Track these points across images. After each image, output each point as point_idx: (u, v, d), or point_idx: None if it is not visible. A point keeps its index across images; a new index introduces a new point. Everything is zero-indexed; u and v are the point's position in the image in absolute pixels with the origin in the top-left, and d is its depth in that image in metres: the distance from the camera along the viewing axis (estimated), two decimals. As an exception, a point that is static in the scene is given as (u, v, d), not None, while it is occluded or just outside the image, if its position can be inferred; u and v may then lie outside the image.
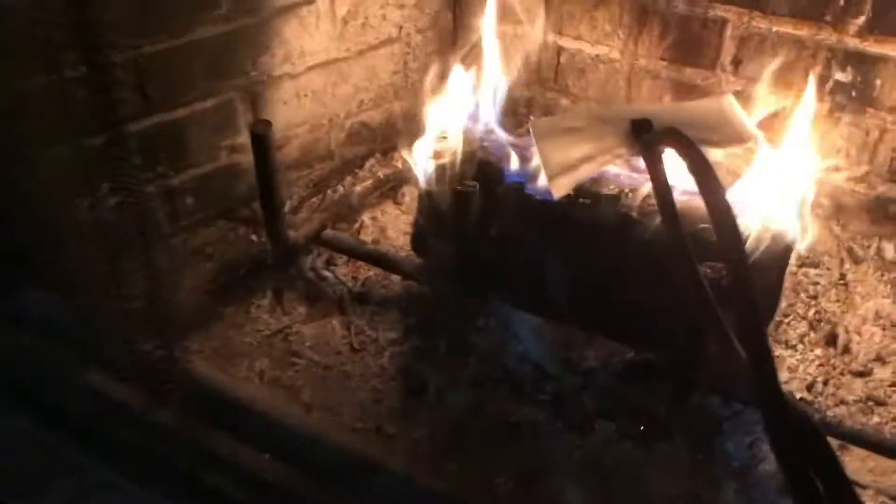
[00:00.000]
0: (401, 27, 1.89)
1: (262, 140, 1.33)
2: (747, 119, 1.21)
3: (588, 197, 1.27)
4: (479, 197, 1.26)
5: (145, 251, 1.26)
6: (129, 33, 1.48)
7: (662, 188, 1.00)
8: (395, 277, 1.63)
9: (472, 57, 1.64)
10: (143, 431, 1.31)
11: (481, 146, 1.38)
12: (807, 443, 0.86)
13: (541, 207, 1.29)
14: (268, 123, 1.36)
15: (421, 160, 1.42)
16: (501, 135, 1.40)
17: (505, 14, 1.93)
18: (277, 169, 1.42)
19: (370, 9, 1.81)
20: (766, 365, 0.86)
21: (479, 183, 1.31)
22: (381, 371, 1.48)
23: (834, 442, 1.32)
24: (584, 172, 1.10)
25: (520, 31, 1.92)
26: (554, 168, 1.09)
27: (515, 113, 2.01)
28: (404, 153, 1.68)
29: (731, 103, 1.22)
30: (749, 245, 1.17)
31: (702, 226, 1.22)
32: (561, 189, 1.11)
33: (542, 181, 1.16)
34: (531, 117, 1.67)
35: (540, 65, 1.94)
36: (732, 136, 1.15)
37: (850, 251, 1.69)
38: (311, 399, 1.43)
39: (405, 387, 1.45)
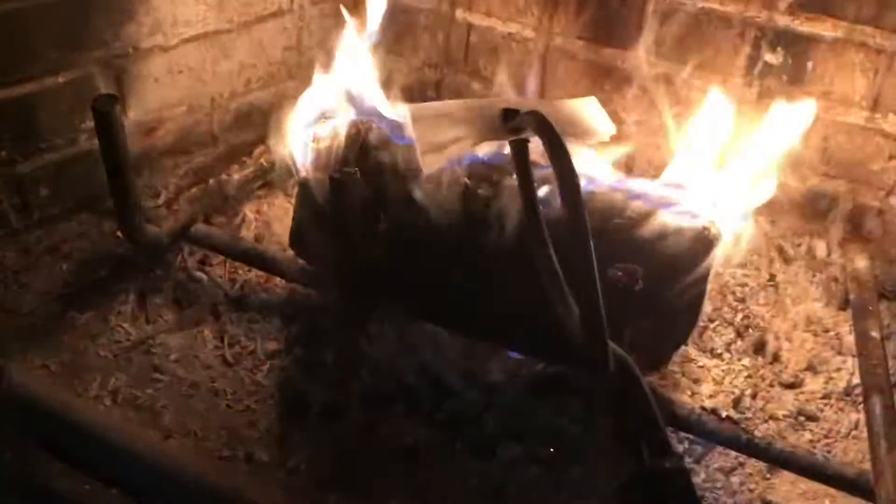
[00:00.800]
0: (292, -3, 1.69)
1: (106, 118, 1.12)
2: (606, 118, 1.20)
3: (489, 187, 1.09)
4: (362, 185, 1.07)
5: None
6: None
7: (524, 173, 0.97)
8: (279, 280, 1.44)
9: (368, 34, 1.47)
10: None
11: (367, 129, 1.19)
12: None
13: (433, 196, 1.12)
14: (113, 98, 1.15)
15: (298, 145, 1.23)
16: (389, 117, 1.21)
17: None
18: (127, 151, 1.21)
19: (255, -25, 1.60)
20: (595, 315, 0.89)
21: (365, 171, 1.13)
22: (258, 388, 1.30)
23: (762, 463, 1.20)
24: (454, 151, 1.06)
25: (426, 5, 1.75)
26: (425, 146, 1.00)
27: (424, 96, 1.84)
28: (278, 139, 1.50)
29: (593, 103, 1.21)
30: (671, 241, 1.02)
31: (616, 220, 1.07)
32: (430, 166, 1.05)
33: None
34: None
35: (449, 44, 1.76)
36: (589, 131, 1.16)
37: (780, 250, 1.57)
38: (172, 422, 1.24)
39: (284, 406, 1.27)
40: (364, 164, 1.13)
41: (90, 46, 1.43)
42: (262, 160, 1.63)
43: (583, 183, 0.98)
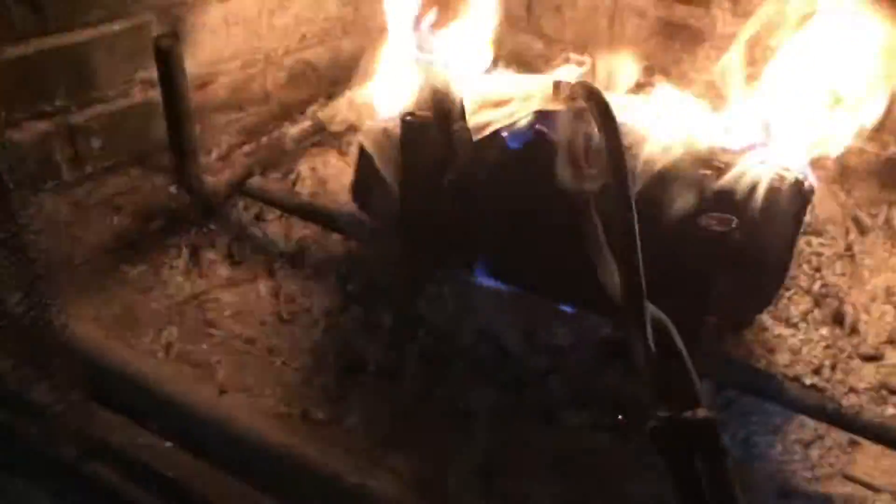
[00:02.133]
0: (352, -49, 1.65)
1: (168, 55, 1.08)
2: None
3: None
4: (432, 133, 1.02)
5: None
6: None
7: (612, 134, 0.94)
8: (336, 237, 1.40)
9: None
10: (17, 412, 1.10)
11: (439, 76, 1.14)
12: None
13: (508, 150, 1.07)
14: (175, 36, 1.11)
15: (367, 93, 1.19)
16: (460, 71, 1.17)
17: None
18: (188, 94, 1.17)
19: (315, -75, 1.56)
20: (635, 274, 0.88)
21: (434, 119, 1.08)
22: (314, 346, 1.26)
23: (845, 435, 1.13)
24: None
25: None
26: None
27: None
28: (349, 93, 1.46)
29: None
30: (761, 195, 0.96)
31: (702, 172, 1.01)
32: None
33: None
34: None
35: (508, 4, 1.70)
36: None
37: (856, 220, 1.49)
38: (226, 378, 1.21)
39: (341, 365, 1.23)
40: (434, 113, 1.08)
41: (147, -8, 1.40)
42: (319, 116, 1.59)
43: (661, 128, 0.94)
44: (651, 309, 0.94)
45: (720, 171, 0.99)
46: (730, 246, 0.87)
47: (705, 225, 0.86)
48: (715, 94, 1.50)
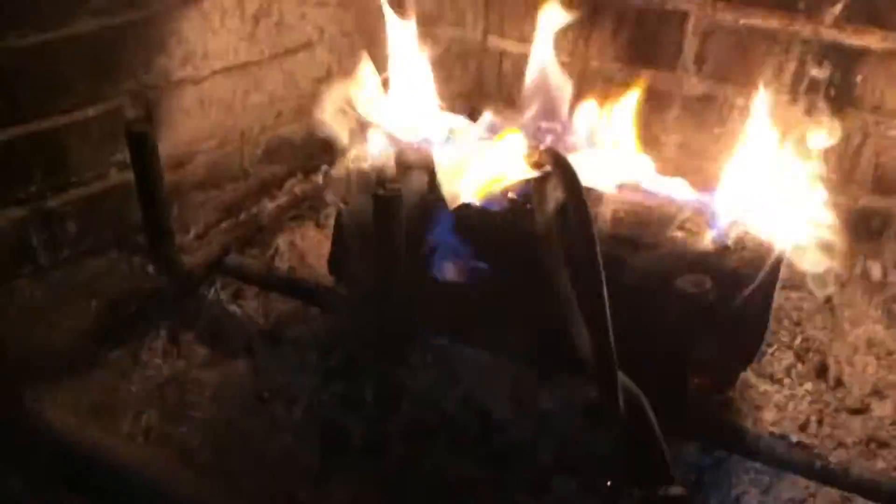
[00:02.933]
0: (322, 29, 1.67)
1: (142, 141, 1.09)
2: None
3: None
4: (404, 204, 1.03)
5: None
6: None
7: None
8: (315, 311, 1.39)
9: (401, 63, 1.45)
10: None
11: (409, 150, 1.16)
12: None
13: (482, 217, 1.07)
14: (147, 121, 1.12)
15: (342, 168, 1.20)
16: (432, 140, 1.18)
17: (441, 15, 1.75)
18: (162, 176, 1.17)
19: (285, 6, 1.59)
20: (604, 339, 0.93)
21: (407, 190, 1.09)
22: (295, 425, 1.24)
23: (837, 492, 1.12)
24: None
25: (457, 33, 1.74)
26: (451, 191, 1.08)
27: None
28: (325, 167, 1.47)
29: None
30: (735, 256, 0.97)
31: (674, 233, 1.02)
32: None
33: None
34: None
35: (481, 72, 1.74)
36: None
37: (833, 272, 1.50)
38: (206, 461, 1.18)
39: (323, 443, 1.20)
40: (406, 184, 1.09)
41: (121, 78, 1.42)
42: (296, 191, 1.60)
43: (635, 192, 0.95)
44: (625, 381, 0.95)
45: (693, 233, 1.00)
46: (706, 307, 0.87)
47: (681, 287, 0.87)
48: (686, 155, 1.54)
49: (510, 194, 1.10)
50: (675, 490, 0.93)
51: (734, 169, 1.21)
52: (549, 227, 1.02)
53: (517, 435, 1.19)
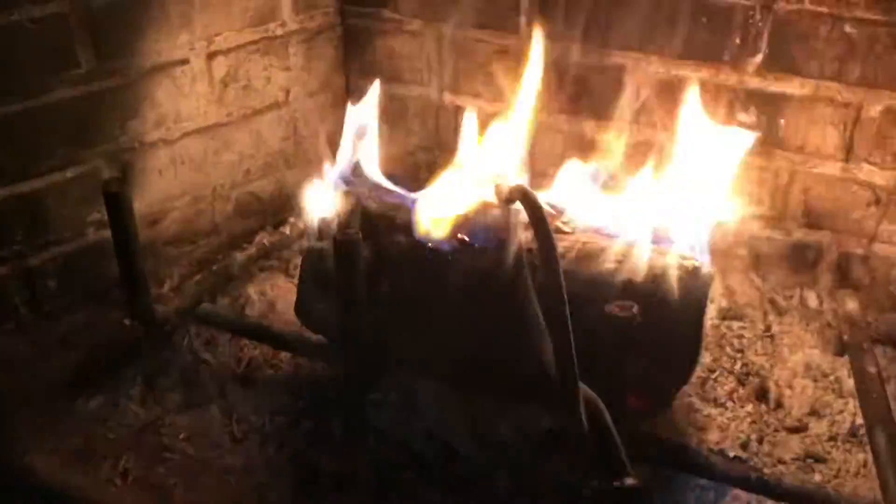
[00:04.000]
0: (288, 91, 1.78)
1: (117, 200, 1.17)
2: None
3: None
4: (363, 248, 1.12)
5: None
6: (-27, 94, 1.33)
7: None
8: (284, 355, 1.46)
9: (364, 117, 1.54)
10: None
11: (367, 199, 1.25)
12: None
13: (434, 257, 1.16)
14: (123, 180, 1.21)
15: (305, 218, 1.29)
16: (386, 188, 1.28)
17: (399, 75, 1.86)
18: (136, 232, 1.25)
19: (252, 70, 1.69)
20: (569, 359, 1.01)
21: (366, 236, 1.17)
22: (268, 462, 1.30)
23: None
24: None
25: (414, 93, 1.85)
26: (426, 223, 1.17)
27: (417, 178, 1.90)
28: (292, 220, 1.56)
29: None
30: (664, 282, 1.06)
31: (607, 266, 1.12)
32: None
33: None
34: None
35: (439, 127, 1.84)
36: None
37: (772, 302, 1.60)
38: (183, 500, 1.24)
39: (295, 478, 1.27)
40: (365, 228, 1.18)
41: (97, 142, 1.51)
42: (265, 242, 1.68)
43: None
44: (584, 389, 1.03)
45: (622, 262, 1.10)
46: (634, 330, 0.95)
47: (609, 312, 0.95)
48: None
49: (460, 235, 1.19)
50: (630, 481, 1.00)
51: (667, 205, 1.31)
52: (519, 258, 1.11)
53: (478, 463, 1.27)
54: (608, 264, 1.11)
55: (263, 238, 1.72)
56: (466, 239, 1.17)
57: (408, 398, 1.32)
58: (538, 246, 1.02)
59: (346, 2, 1.81)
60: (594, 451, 1.02)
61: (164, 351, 1.47)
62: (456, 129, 1.81)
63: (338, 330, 1.21)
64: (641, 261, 1.11)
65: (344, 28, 1.83)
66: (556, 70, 1.60)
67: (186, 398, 1.41)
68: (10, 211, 1.44)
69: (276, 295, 1.62)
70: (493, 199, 1.19)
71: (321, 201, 1.25)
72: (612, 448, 1.00)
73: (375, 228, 1.19)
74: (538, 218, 1.03)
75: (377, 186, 1.27)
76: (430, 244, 1.17)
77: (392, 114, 1.85)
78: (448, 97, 1.80)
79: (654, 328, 1.02)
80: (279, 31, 1.71)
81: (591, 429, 1.02)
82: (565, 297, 0.98)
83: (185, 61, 1.58)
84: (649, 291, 1.08)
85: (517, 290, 1.11)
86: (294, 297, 1.55)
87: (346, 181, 1.28)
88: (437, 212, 1.25)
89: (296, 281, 1.64)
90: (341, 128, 1.64)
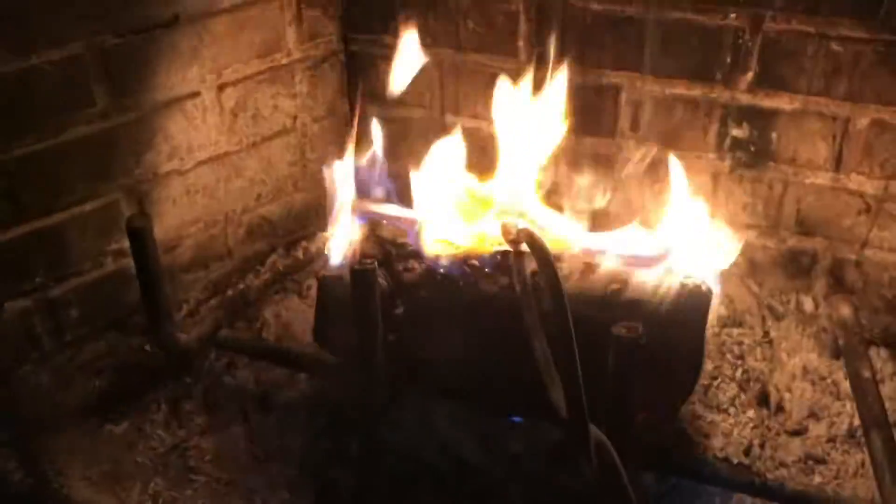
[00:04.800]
0: (295, 117, 1.83)
1: (140, 235, 1.23)
2: None
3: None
4: (379, 275, 1.17)
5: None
6: (-4, 135, 1.39)
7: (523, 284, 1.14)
8: (303, 377, 1.51)
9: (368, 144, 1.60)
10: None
11: (380, 226, 1.31)
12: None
13: (445, 281, 1.22)
14: (146, 216, 1.26)
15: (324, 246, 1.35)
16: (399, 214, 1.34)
17: (402, 98, 1.91)
18: (159, 264, 1.31)
19: (260, 100, 1.74)
20: (577, 393, 1.05)
21: (380, 263, 1.23)
22: (290, 481, 1.35)
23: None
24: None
25: (416, 115, 1.90)
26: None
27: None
28: (304, 243, 1.61)
29: None
30: (666, 299, 1.12)
31: (612, 287, 1.17)
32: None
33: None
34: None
35: (441, 146, 1.90)
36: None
37: (770, 308, 1.66)
38: (212, 519, 1.29)
39: (317, 495, 1.32)
40: (380, 256, 1.23)
41: (116, 176, 1.56)
42: (279, 266, 1.73)
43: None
44: (594, 432, 1.07)
45: (627, 283, 1.15)
46: (640, 349, 1.01)
47: (616, 333, 1.01)
48: (630, 211, 1.70)
49: (471, 261, 1.24)
50: None
51: (667, 221, 1.37)
52: (528, 296, 1.17)
53: (491, 478, 1.32)
54: (612, 285, 1.17)
55: (277, 262, 1.78)
56: (476, 263, 1.23)
57: (423, 417, 1.38)
58: (546, 289, 1.06)
59: (349, 29, 1.86)
60: (604, 495, 1.06)
61: (186, 376, 1.53)
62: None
63: (355, 353, 1.26)
64: (644, 280, 1.16)
65: (347, 55, 1.88)
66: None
67: (209, 421, 1.46)
68: (32, 246, 1.49)
69: (291, 317, 1.67)
70: (500, 237, 1.25)
71: (336, 228, 1.30)
72: (621, 488, 1.04)
73: (389, 254, 1.25)
74: (545, 261, 1.08)
75: (389, 213, 1.33)
76: (441, 269, 1.23)
77: (395, 135, 1.90)
78: (450, 118, 1.85)
79: (657, 346, 1.08)
80: (284, 61, 1.77)
81: (601, 472, 1.07)
82: (574, 342, 1.02)
83: (196, 94, 1.63)
84: (652, 310, 1.14)
85: (525, 315, 1.16)
86: (308, 318, 1.60)
87: (360, 209, 1.33)
88: (445, 237, 1.31)
89: (310, 302, 1.70)
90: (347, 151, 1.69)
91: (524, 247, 1.20)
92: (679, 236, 1.28)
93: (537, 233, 1.14)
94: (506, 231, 1.19)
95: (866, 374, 1.33)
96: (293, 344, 1.57)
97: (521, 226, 1.18)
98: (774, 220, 1.65)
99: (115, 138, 1.54)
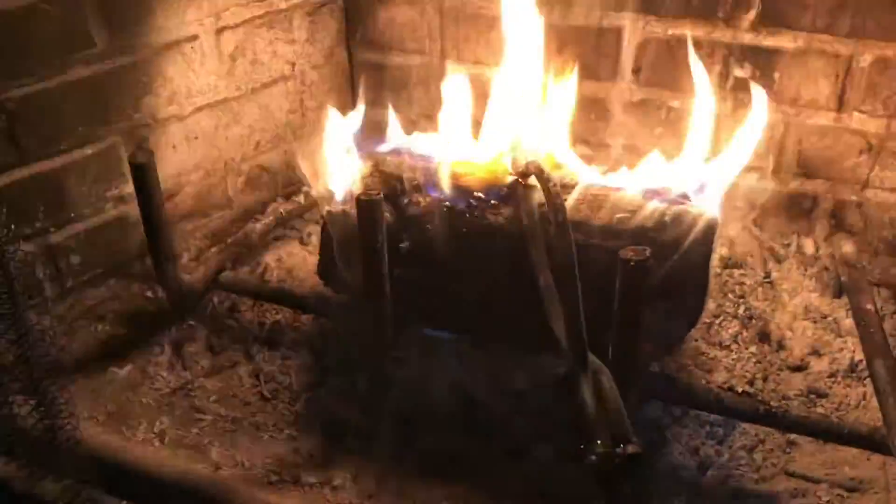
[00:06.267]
0: (293, 64, 1.82)
1: (144, 171, 1.22)
2: None
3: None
4: (384, 209, 1.17)
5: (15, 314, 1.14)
6: (-8, 76, 1.37)
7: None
8: (306, 318, 1.52)
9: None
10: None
11: (384, 162, 1.30)
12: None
13: (451, 214, 1.22)
14: (149, 151, 1.25)
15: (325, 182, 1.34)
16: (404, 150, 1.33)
17: (401, 45, 1.90)
18: (163, 202, 1.30)
19: (258, 44, 1.73)
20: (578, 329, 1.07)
21: (386, 197, 1.23)
22: (297, 418, 1.36)
23: (783, 437, 1.27)
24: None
25: (415, 62, 1.89)
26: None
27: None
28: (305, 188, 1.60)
29: None
30: (672, 227, 1.13)
31: (619, 215, 1.17)
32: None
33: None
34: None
35: (441, 94, 1.89)
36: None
37: (771, 250, 1.67)
38: (219, 456, 1.30)
39: (324, 432, 1.33)
40: (386, 191, 1.23)
41: (114, 120, 1.55)
42: (281, 210, 1.73)
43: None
44: (592, 359, 1.09)
45: (633, 213, 1.16)
46: (647, 273, 1.01)
47: (623, 257, 1.01)
48: (632, 155, 1.70)
49: (476, 193, 1.24)
50: (632, 448, 1.04)
51: (671, 159, 1.37)
52: (534, 228, 1.17)
53: (497, 411, 1.33)
54: (620, 214, 1.17)
55: (279, 207, 1.77)
56: (482, 195, 1.23)
57: (428, 352, 1.38)
58: (553, 222, 1.08)
59: (347, -27, 1.85)
60: (599, 417, 1.08)
61: (190, 319, 1.52)
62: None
63: (360, 290, 1.26)
64: (651, 210, 1.16)
65: (345, 0, 1.87)
66: (557, 33, 1.65)
67: (213, 363, 1.46)
68: (32, 190, 1.48)
69: (293, 262, 1.67)
70: (509, 169, 1.25)
71: (340, 165, 1.30)
72: (617, 415, 1.06)
73: (394, 189, 1.25)
74: (553, 195, 1.09)
75: (394, 149, 1.32)
76: (447, 201, 1.23)
77: (395, 82, 1.89)
78: (450, 64, 1.84)
79: (665, 272, 1.08)
80: (283, 5, 1.75)
81: (598, 395, 1.08)
82: (576, 274, 1.05)
83: (194, 37, 1.61)
84: (660, 238, 1.14)
85: (530, 247, 1.17)
86: (310, 264, 1.61)
87: (362, 145, 1.33)
88: (454, 170, 1.31)
89: (311, 249, 1.70)
90: (346, 98, 1.68)
91: (533, 180, 1.21)
92: (682, 172, 1.29)
93: (546, 165, 1.15)
94: (515, 163, 1.19)
95: (869, 306, 1.34)
96: (296, 286, 1.57)
97: (530, 158, 1.18)
98: (776, 162, 1.65)
99: (115, 81, 1.53)
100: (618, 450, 1.04)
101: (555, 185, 1.13)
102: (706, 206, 1.21)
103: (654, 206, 1.19)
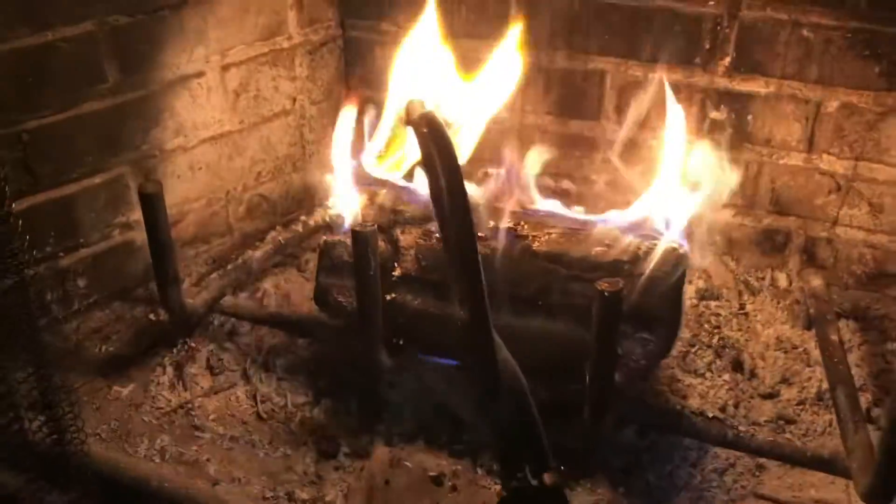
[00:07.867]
0: (294, 99, 1.90)
1: (152, 200, 1.30)
2: None
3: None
4: (378, 238, 1.25)
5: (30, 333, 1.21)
6: (11, 108, 1.45)
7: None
8: (302, 342, 1.59)
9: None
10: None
11: (380, 192, 1.39)
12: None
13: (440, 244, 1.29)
14: (157, 182, 1.33)
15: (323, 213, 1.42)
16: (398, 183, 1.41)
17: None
18: (169, 229, 1.38)
19: (262, 80, 1.82)
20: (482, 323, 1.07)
21: (380, 228, 1.31)
22: (291, 437, 1.43)
23: (752, 461, 1.34)
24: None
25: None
26: None
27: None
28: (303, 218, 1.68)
29: None
30: (646, 261, 1.21)
31: (596, 249, 1.25)
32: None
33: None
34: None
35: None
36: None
37: (746, 283, 1.75)
38: (217, 473, 1.36)
39: (317, 451, 1.40)
40: (381, 222, 1.31)
41: (123, 150, 1.63)
42: (280, 239, 1.81)
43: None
44: (511, 366, 1.09)
45: (610, 247, 1.24)
46: (620, 303, 1.09)
47: (599, 288, 1.09)
48: (614, 191, 1.78)
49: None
50: (549, 478, 1.04)
51: (647, 195, 1.46)
52: (439, 191, 1.07)
53: (483, 432, 1.40)
54: (596, 247, 1.25)
55: (278, 235, 1.85)
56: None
57: (418, 375, 1.45)
58: (441, 168, 1.02)
59: (347, 15, 1.94)
60: (516, 438, 1.07)
61: (191, 341, 1.59)
62: (451, 132, 1.95)
63: (354, 316, 1.34)
64: (625, 243, 1.25)
65: (345, 40, 1.96)
66: (544, 74, 1.75)
67: (213, 383, 1.53)
68: (44, 216, 1.55)
69: (291, 288, 1.75)
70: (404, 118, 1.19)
71: (338, 197, 1.38)
72: (536, 440, 1.06)
73: (390, 220, 1.33)
74: (441, 141, 1.04)
75: (389, 183, 1.41)
76: (436, 234, 1.30)
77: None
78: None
79: (639, 302, 1.16)
80: (286, 44, 1.84)
81: (518, 417, 1.08)
82: (472, 222, 1.00)
83: (201, 74, 1.70)
84: (633, 271, 1.22)
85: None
86: (307, 290, 1.68)
87: (361, 178, 1.41)
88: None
89: (308, 275, 1.78)
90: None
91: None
92: (656, 207, 1.37)
93: (438, 117, 1.10)
94: (410, 108, 1.14)
95: (834, 337, 1.42)
96: (293, 311, 1.64)
97: (426, 108, 1.13)
98: (750, 199, 1.74)
99: (125, 114, 1.61)
100: (535, 482, 1.05)
101: (445, 134, 1.07)
102: (677, 240, 1.29)
103: (629, 240, 1.27)
